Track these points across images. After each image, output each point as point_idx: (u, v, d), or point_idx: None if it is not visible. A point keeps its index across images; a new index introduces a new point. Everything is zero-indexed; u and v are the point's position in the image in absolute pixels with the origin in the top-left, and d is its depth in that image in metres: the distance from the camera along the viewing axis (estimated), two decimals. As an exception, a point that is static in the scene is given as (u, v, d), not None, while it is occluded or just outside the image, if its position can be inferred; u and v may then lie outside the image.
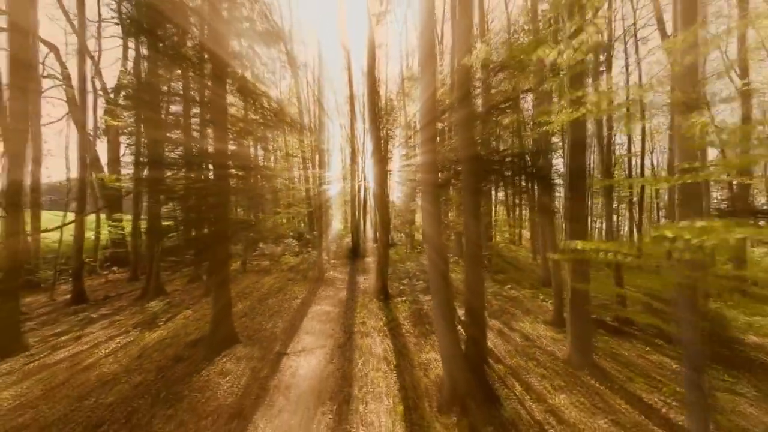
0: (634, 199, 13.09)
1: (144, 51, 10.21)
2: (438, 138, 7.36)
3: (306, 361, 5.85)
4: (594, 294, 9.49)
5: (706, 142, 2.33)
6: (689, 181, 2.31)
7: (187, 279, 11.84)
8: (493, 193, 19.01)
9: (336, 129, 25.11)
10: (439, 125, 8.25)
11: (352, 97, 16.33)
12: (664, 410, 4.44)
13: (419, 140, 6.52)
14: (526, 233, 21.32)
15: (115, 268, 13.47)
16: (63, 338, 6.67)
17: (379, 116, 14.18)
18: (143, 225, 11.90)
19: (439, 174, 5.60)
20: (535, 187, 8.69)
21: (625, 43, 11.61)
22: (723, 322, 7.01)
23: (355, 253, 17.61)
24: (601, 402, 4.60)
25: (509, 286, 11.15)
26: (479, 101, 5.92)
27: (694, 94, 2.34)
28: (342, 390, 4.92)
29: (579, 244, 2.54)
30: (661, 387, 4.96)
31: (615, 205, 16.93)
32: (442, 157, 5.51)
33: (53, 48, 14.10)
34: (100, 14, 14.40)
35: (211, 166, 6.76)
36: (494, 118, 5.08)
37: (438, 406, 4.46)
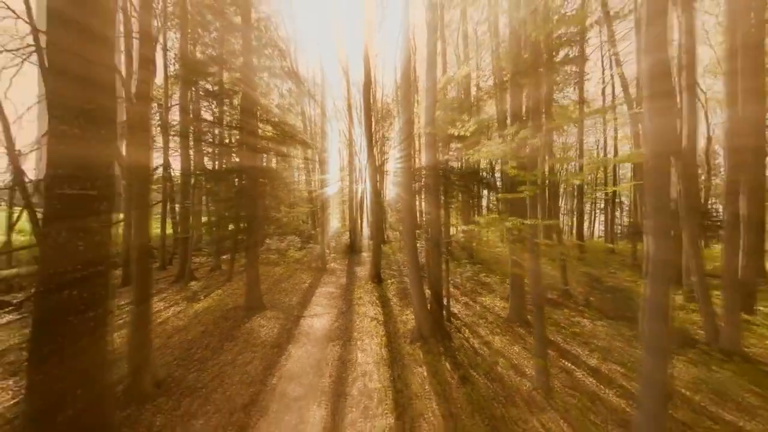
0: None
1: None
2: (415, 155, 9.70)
3: (318, 321, 8.25)
4: (548, 277, 12.03)
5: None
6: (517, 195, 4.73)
7: (209, 269, 14.21)
8: (485, 197, 21.47)
9: (335, 135, 27.47)
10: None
11: (350, 110, 18.73)
12: (560, 343, 6.85)
13: (398, 156, 8.89)
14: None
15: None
16: (131, 306, 9.01)
17: (374, 132, 16.53)
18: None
19: (415, 184, 8.00)
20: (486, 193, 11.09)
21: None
22: (631, 295, 9.44)
23: (352, 249, 19.99)
24: (521, 339, 7.01)
25: (484, 274, 13.57)
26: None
27: (525, 160, 4.74)
28: (345, 334, 7.32)
29: (460, 226, 4.89)
30: (564, 331, 7.38)
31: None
32: (415, 171, 7.91)
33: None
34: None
35: (244, 176, 9.12)
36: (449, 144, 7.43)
37: (409, 341, 6.87)
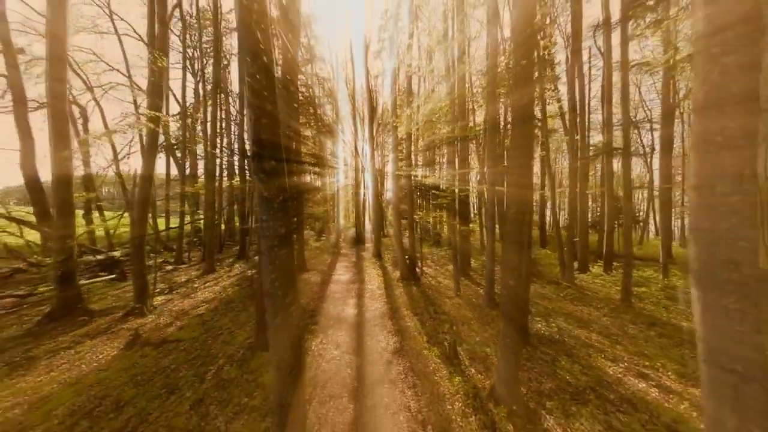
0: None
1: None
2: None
3: (342, 276, 14.14)
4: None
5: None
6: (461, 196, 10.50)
7: (254, 251, 20.15)
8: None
9: (343, 140, 33.29)
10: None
11: (355, 126, 24.58)
12: (481, 283, 12.67)
13: (389, 173, 14.77)
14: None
15: (200, 247, 21.76)
16: (222, 270, 14.93)
17: (375, 137, 22.37)
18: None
19: (400, 194, 13.90)
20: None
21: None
22: (544, 262, 15.27)
23: (358, 240, 25.87)
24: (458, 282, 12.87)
25: (457, 255, 19.44)
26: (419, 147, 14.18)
27: (445, 183, 10.55)
28: (359, 280, 13.21)
29: (416, 217, 10.62)
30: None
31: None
32: (401, 184, 13.76)
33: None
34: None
35: (294, 188, 15.01)
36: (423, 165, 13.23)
37: (396, 281, 12.75)
